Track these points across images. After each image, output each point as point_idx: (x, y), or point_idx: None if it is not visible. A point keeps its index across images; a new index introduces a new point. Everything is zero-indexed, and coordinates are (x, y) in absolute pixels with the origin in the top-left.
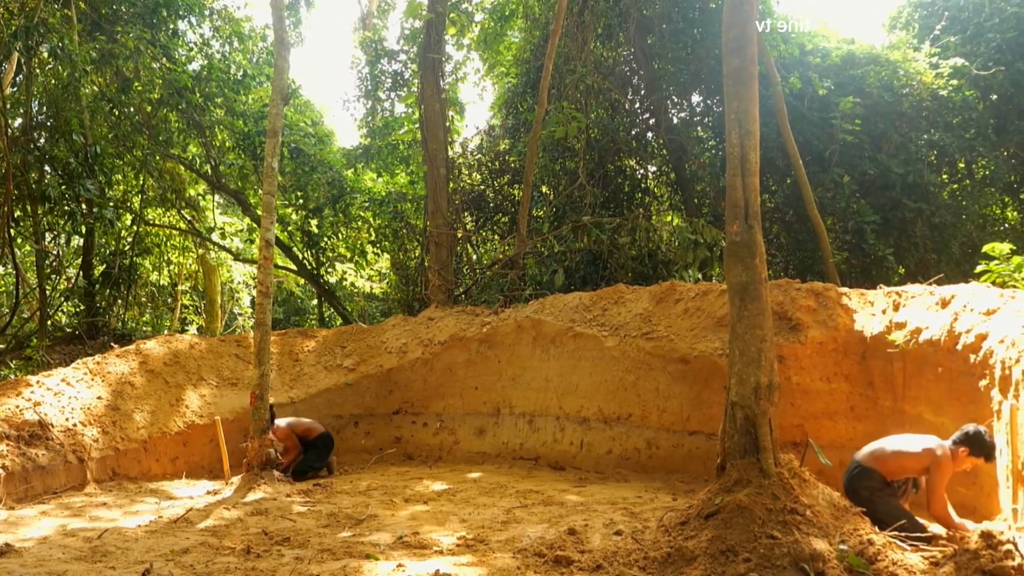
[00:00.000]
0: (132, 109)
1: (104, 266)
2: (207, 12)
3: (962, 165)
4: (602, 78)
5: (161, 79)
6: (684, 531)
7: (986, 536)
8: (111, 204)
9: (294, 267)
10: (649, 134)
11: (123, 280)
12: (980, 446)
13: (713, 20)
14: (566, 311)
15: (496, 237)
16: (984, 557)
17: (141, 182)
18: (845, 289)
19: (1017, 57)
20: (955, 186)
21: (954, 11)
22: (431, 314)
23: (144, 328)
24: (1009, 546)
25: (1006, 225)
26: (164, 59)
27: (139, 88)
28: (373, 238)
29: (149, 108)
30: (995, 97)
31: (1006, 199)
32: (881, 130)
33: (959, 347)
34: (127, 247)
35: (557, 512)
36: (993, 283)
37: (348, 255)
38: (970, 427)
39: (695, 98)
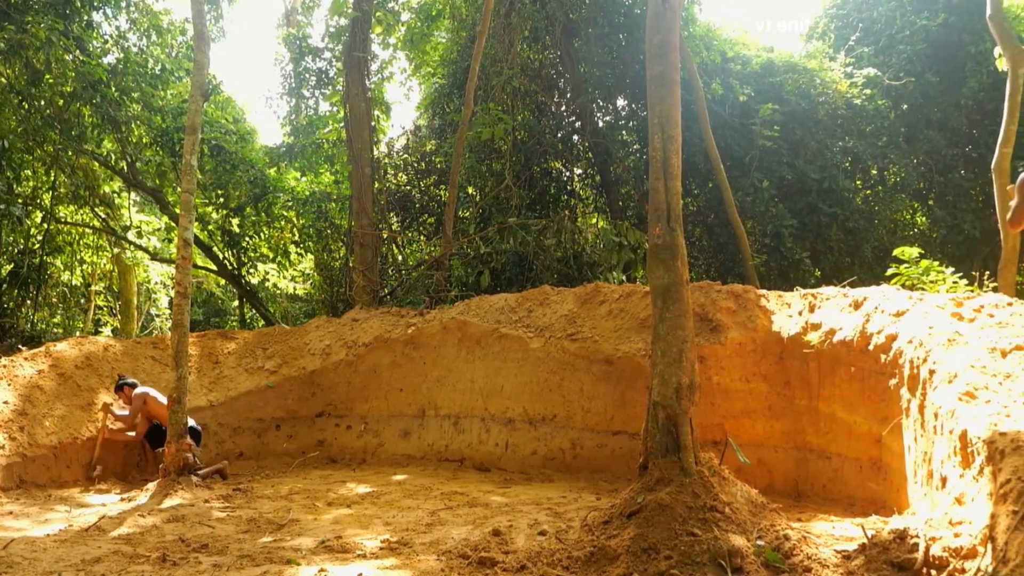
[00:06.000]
0: (43, 102)
1: (12, 265)
2: (123, 3)
3: (875, 172)
4: (529, 80)
5: (74, 72)
6: (607, 530)
7: (895, 530)
8: (20, 201)
9: (214, 267)
10: (575, 137)
11: (32, 280)
12: None
13: (637, 26)
14: (492, 312)
15: (422, 238)
16: (893, 550)
17: (52, 178)
18: (764, 291)
19: (926, 68)
20: (868, 192)
21: (868, 23)
22: (356, 315)
23: (55, 330)
24: (917, 540)
25: (915, 230)
26: (77, 51)
27: (50, 81)
28: (296, 238)
29: (61, 101)
30: (906, 107)
31: (915, 205)
32: (799, 136)
33: (871, 347)
34: (37, 245)
35: (482, 513)
36: (903, 286)
37: (270, 255)
38: None
39: (620, 102)
